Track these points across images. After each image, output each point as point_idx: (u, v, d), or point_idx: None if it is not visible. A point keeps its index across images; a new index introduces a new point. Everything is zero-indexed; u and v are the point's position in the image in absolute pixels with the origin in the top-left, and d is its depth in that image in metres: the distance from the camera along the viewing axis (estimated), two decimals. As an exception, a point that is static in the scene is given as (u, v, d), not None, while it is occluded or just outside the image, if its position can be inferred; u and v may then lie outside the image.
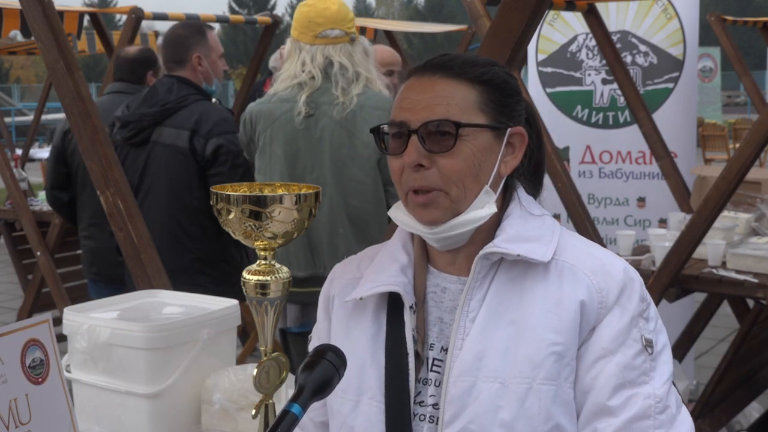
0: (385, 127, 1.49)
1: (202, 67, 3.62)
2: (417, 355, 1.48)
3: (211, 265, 3.30)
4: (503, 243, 1.45)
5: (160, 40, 5.68)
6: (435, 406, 1.46)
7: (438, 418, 1.45)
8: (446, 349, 1.47)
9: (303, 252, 3.13)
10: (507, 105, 1.49)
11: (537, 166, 1.58)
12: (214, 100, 3.60)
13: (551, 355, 1.40)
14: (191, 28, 3.74)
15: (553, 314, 1.42)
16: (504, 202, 1.52)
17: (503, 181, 1.51)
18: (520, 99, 1.52)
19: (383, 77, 3.25)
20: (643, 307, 1.44)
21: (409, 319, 1.48)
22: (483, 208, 1.45)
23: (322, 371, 1.26)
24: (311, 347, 1.64)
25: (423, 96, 1.46)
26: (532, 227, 1.48)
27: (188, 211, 3.35)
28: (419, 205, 1.46)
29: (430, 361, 1.49)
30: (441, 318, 1.50)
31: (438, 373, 1.47)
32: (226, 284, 3.40)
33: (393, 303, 1.51)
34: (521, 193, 1.53)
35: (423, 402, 1.47)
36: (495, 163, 1.47)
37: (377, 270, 1.54)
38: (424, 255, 1.55)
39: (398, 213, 1.53)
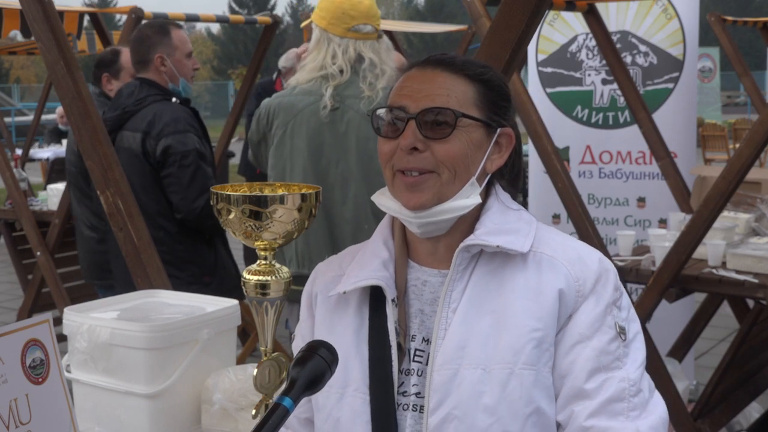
0: (383, 112, 1.54)
1: (165, 67, 3.59)
2: (399, 346, 1.53)
3: (177, 267, 3.26)
4: (483, 235, 1.50)
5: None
6: (418, 395, 1.51)
7: (421, 407, 1.49)
8: (427, 340, 1.52)
9: (325, 247, 3.10)
10: (500, 106, 1.55)
11: (516, 176, 1.64)
12: (174, 99, 3.56)
13: (531, 341, 1.45)
14: (154, 28, 3.70)
15: (532, 302, 1.47)
16: (484, 198, 1.57)
17: (487, 178, 1.56)
18: (510, 105, 1.59)
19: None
20: (617, 295, 1.51)
21: (391, 312, 1.53)
22: (468, 198, 1.51)
23: (314, 366, 1.28)
24: (294, 345, 1.70)
25: (424, 86, 1.52)
26: (510, 220, 1.54)
27: (147, 215, 3.19)
28: (407, 186, 1.50)
29: (412, 352, 1.53)
30: (422, 310, 1.55)
31: (420, 363, 1.52)
32: (198, 284, 3.36)
33: (375, 297, 1.56)
34: (499, 189, 1.59)
35: (406, 392, 1.52)
36: (483, 159, 1.53)
37: (359, 266, 1.58)
38: (404, 250, 1.60)
39: (382, 198, 1.58)
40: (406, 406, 1.51)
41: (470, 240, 1.50)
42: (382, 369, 1.51)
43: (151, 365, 1.96)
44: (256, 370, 1.60)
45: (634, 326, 1.52)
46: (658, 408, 1.48)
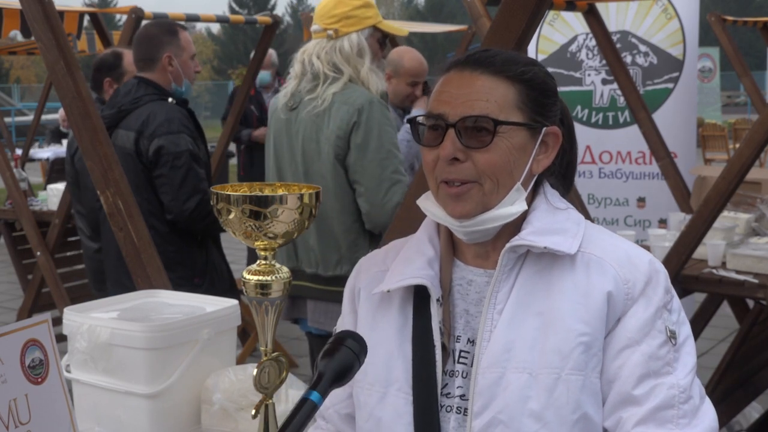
0: (421, 119, 1.50)
1: (172, 67, 3.58)
2: (443, 347, 1.50)
3: (167, 267, 3.18)
4: (529, 236, 1.46)
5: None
6: (462, 397, 1.48)
7: (465, 409, 1.47)
8: (472, 341, 1.49)
9: (286, 245, 3.15)
10: (544, 105, 1.50)
11: (568, 165, 1.61)
12: (170, 99, 3.55)
13: (579, 345, 1.42)
14: (163, 27, 3.69)
15: (580, 305, 1.43)
16: (531, 197, 1.53)
17: (534, 180, 1.52)
18: (556, 100, 1.53)
19: (379, 72, 3.20)
20: (668, 298, 1.47)
21: (435, 312, 1.50)
22: (513, 205, 1.47)
23: (342, 358, 1.26)
24: None
25: (463, 91, 1.47)
26: (558, 220, 1.50)
27: None
28: (451, 197, 1.47)
29: (456, 353, 1.51)
30: (467, 310, 1.52)
31: (465, 364, 1.49)
32: (189, 285, 3.33)
33: (419, 295, 1.53)
34: (547, 187, 1.55)
35: (450, 393, 1.49)
36: (528, 161, 1.49)
37: (404, 263, 1.56)
38: (450, 248, 1.57)
39: (427, 204, 1.54)
40: (449, 408, 1.49)
41: (517, 240, 1.46)
42: (426, 369, 1.49)
43: (151, 365, 1.96)
44: (256, 370, 1.60)
45: (685, 329, 1.47)
46: (708, 415, 1.43)
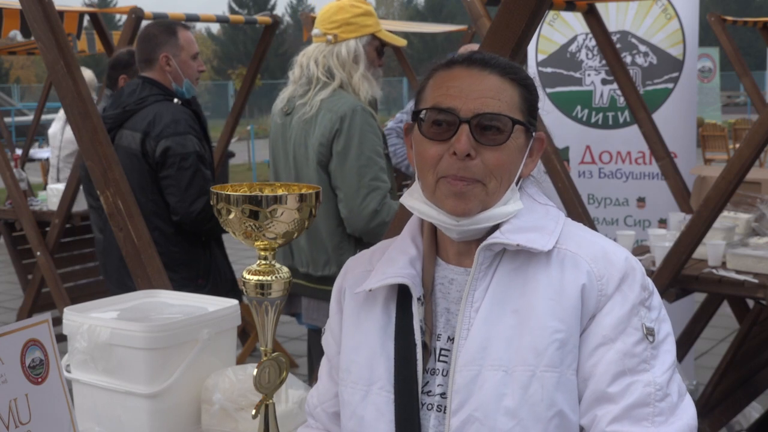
0: (424, 112, 1.49)
1: (170, 67, 3.58)
2: (425, 345, 1.50)
3: (171, 268, 3.20)
4: (505, 233, 1.47)
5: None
6: (443, 395, 1.48)
7: (445, 407, 1.47)
8: (452, 339, 1.50)
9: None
10: (536, 110, 1.53)
11: None
12: (176, 100, 3.55)
13: (554, 342, 1.42)
14: (161, 27, 3.69)
15: (555, 302, 1.44)
16: None
17: (521, 182, 1.54)
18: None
19: (372, 80, 3.24)
20: (645, 295, 1.46)
21: (417, 311, 1.51)
22: (507, 205, 1.49)
23: None
24: (324, 340, 1.68)
25: (474, 87, 1.47)
26: (536, 218, 1.51)
27: (143, 215, 3.01)
28: (455, 194, 1.46)
29: (437, 351, 1.51)
30: (448, 308, 1.53)
31: (445, 362, 1.50)
32: (192, 286, 3.34)
33: (402, 295, 1.54)
34: (527, 184, 1.56)
35: (431, 392, 1.50)
36: (521, 164, 1.51)
37: (387, 262, 1.56)
38: (433, 247, 1.57)
39: (415, 202, 1.54)
40: (430, 406, 1.49)
41: (492, 239, 1.47)
42: (407, 368, 1.49)
43: (151, 365, 1.96)
44: (256, 370, 1.60)
45: (665, 327, 1.47)
46: (686, 413, 1.43)
